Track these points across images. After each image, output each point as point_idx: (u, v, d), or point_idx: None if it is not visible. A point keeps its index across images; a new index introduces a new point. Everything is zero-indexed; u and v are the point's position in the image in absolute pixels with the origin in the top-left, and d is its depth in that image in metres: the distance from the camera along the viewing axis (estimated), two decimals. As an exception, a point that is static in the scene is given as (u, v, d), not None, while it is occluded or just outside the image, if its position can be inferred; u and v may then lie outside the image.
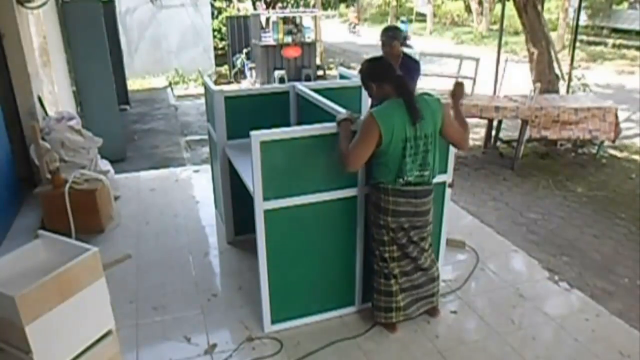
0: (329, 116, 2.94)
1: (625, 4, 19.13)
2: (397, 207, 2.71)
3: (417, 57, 4.25)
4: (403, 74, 2.79)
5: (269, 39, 10.91)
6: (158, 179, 5.43)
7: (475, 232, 4.23)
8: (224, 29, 13.58)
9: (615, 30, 18.53)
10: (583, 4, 14.38)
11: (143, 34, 12.78)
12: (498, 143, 6.95)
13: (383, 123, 2.54)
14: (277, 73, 10.65)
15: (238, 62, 12.10)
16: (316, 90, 3.53)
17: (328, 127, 2.74)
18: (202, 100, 7.95)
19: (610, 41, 17.13)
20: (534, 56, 7.11)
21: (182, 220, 4.45)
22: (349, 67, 12.41)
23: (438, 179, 3.08)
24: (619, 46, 16.67)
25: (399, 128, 2.55)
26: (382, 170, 2.68)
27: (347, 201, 2.89)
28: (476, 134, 7.24)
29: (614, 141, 6.31)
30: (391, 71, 2.70)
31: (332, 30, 22.65)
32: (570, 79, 7.51)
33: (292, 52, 11.17)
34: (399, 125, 2.55)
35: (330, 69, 13.47)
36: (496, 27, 16.13)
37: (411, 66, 4.10)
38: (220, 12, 15.56)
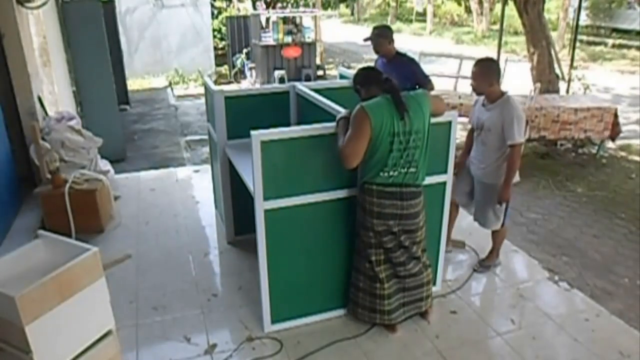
0: (329, 116, 2.94)
1: (626, 4, 19.10)
2: (382, 209, 2.71)
3: (412, 56, 4.27)
4: (397, 72, 2.83)
5: (269, 39, 10.90)
6: (158, 179, 5.43)
7: (475, 232, 4.22)
8: (224, 29, 13.57)
9: (615, 30, 18.52)
10: (583, 4, 14.38)
11: (143, 34, 12.76)
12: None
13: (373, 115, 2.58)
14: (277, 73, 10.64)
15: (238, 62, 12.08)
16: (316, 90, 3.53)
17: (328, 127, 2.74)
18: (202, 100, 7.95)
19: (610, 41, 17.12)
20: (534, 56, 7.12)
21: (182, 220, 4.45)
22: (349, 67, 12.40)
23: (437, 179, 3.09)
24: (619, 46, 16.66)
25: (388, 121, 2.59)
26: (366, 166, 2.69)
27: (347, 201, 2.89)
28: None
29: (613, 139, 6.32)
30: (378, 75, 2.78)
31: (331, 30, 22.61)
32: (570, 79, 7.52)
33: (292, 52, 11.16)
34: (388, 118, 2.59)
35: (330, 69, 13.47)
36: (496, 27, 16.13)
37: (405, 64, 4.12)
38: (220, 12, 15.53)
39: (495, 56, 7.49)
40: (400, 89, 2.70)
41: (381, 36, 4.15)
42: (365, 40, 4.29)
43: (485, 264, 3.65)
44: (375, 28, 4.29)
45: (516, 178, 3.42)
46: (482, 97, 3.39)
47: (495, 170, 3.34)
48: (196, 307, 3.23)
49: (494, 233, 3.64)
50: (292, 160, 2.70)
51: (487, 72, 3.25)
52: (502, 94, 3.27)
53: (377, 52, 4.23)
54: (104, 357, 2.30)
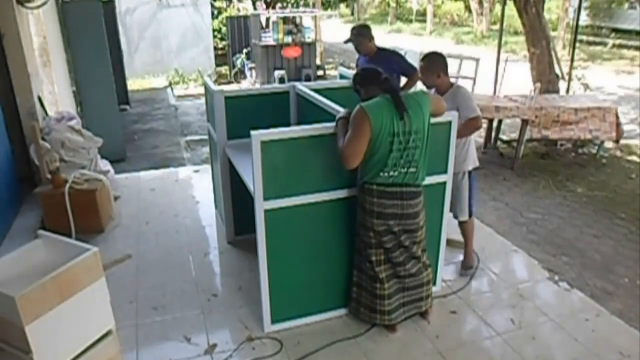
0: (329, 116, 2.95)
1: (626, 4, 19.11)
2: (383, 209, 2.72)
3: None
4: (382, 68, 2.86)
5: (269, 39, 10.90)
6: (158, 179, 5.43)
7: (475, 232, 4.22)
8: (224, 29, 13.57)
9: (615, 30, 18.52)
10: (583, 4, 14.38)
11: (143, 34, 12.76)
12: (498, 143, 6.95)
13: (373, 115, 2.58)
14: (277, 73, 10.64)
15: (238, 62, 12.08)
16: (316, 90, 3.53)
17: (328, 127, 2.74)
18: (202, 100, 7.96)
19: (610, 41, 17.12)
20: (534, 56, 7.11)
21: (182, 220, 4.45)
22: (349, 67, 12.40)
23: (437, 179, 3.09)
24: (619, 46, 16.66)
25: (388, 121, 2.59)
26: (366, 166, 2.69)
27: (347, 201, 2.90)
28: (476, 134, 7.23)
29: (617, 141, 6.30)
30: (378, 75, 2.78)
31: (331, 30, 22.60)
32: (570, 79, 7.52)
33: (292, 52, 11.16)
34: (388, 118, 2.59)
35: (330, 69, 13.47)
36: (496, 27, 16.12)
37: (388, 57, 4.12)
38: (220, 12, 15.53)
39: (495, 56, 7.50)
40: (397, 86, 2.71)
41: (361, 35, 4.17)
42: (346, 42, 4.31)
43: (466, 266, 3.63)
44: (353, 28, 4.32)
45: (475, 163, 3.47)
46: (433, 91, 3.43)
47: (456, 159, 3.34)
48: (196, 307, 3.23)
49: (462, 229, 3.62)
50: (292, 160, 2.70)
51: (433, 64, 3.34)
52: (451, 84, 3.35)
53: (358, 51, 4.27)
54: (104, 357, 2.30)
